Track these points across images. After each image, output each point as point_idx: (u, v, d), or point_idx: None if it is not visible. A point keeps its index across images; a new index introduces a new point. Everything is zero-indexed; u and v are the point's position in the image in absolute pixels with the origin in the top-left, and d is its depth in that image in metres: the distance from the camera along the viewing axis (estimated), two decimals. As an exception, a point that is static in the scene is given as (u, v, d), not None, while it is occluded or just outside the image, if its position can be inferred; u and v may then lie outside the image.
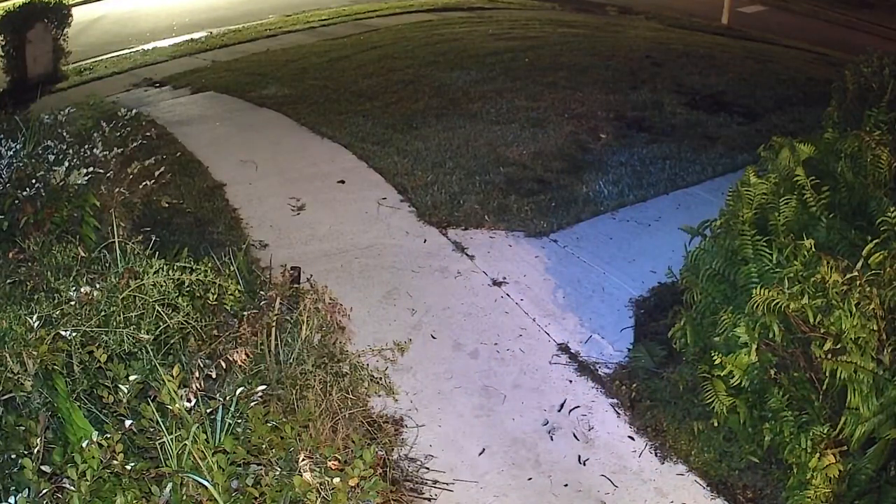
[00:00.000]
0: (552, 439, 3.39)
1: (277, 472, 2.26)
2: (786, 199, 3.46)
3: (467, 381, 3.72)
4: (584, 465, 3.25)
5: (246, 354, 2.64)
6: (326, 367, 2.90)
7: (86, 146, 4.33)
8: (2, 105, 5.82)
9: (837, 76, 5.02)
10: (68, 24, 9.77)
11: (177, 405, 2.32)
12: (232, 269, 3.22)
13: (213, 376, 2.57)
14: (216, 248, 4.09)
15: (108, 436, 2.19)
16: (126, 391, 2.38)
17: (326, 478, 2.22)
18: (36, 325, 2.51)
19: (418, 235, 4.96)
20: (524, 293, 4.34)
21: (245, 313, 2.91)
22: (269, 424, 2.38)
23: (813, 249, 3.10)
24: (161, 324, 2.72)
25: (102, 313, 2.64)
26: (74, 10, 10.21)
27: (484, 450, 3.33)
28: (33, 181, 3.86)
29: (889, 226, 3.19)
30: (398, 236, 4.97)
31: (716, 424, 3.18)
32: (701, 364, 3.26)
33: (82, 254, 3.17)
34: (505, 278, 4.48)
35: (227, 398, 2.42)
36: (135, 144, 4.58)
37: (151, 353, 2.63)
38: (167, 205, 4.41)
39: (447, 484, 3.14)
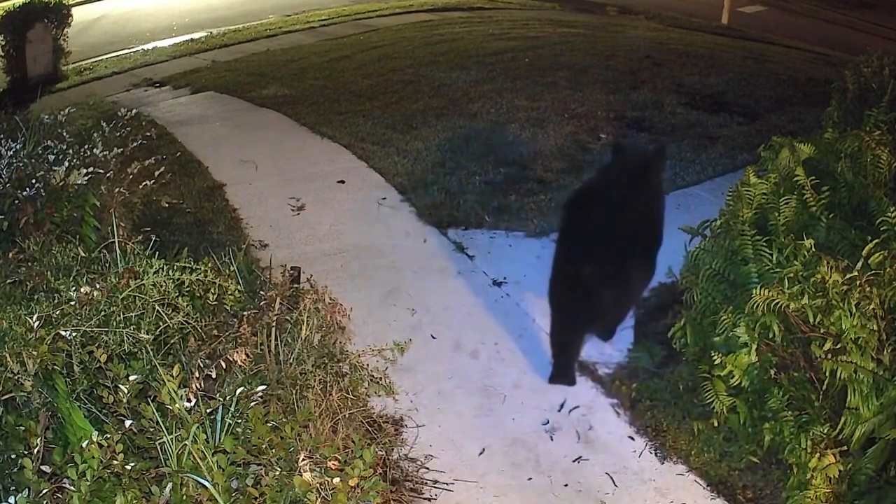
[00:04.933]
0: (552, 439, 3.39)
1: (277, 472, 2.26)
2: (786, 199, 3.46)
3: (467, 381, 3.72)
4: (584, 465, 3.25)
5: (246, 354, 2.64)
6: (326, 367, 2.90)
7: (86, 146, 4.32)
8: (2, 105, 5.81)
9: (837, 76, 5.02)
10: (68, 24, 9.76)
11: (177, 405, 2.32)
12: (232, 269, 3.22)
13: (213, 376, 2.57)
14: (216, 248, 4.09)
15: (108, 436, 2.19)
16: (126, 391, 2.38)
17: (326, 478, 2.22)
18: (36, 325, 2.51)
19: (418, 235, 4.96)
20: (524, 293, 4.34)
21: (245, 313, 2.91)
22: (269, 424, 2.38)
23: (813, 249, 3.10)
24: (161, 324, 2.72)
25: (102, 313, 2.64)
26: (74, 10, 10.20)
27: (484, 450, 3.33)
28: (33, 181, 3.86)
29: (889, 226, 3.19)
30: (398, 236, 4.97)
31: (716, 424, 3.18)
32: (701, 364, 3.26)
33: (82, 254, 3.16)
34: (505, 278, 4.48)
35: (227, 398, 2.42)
36: (135, 144, 4.58)
37: (151, 353, 2.63)
38: (167, 205, 4.41)
39: (447, 484, 3.14)
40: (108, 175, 4.19)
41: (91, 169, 4.06)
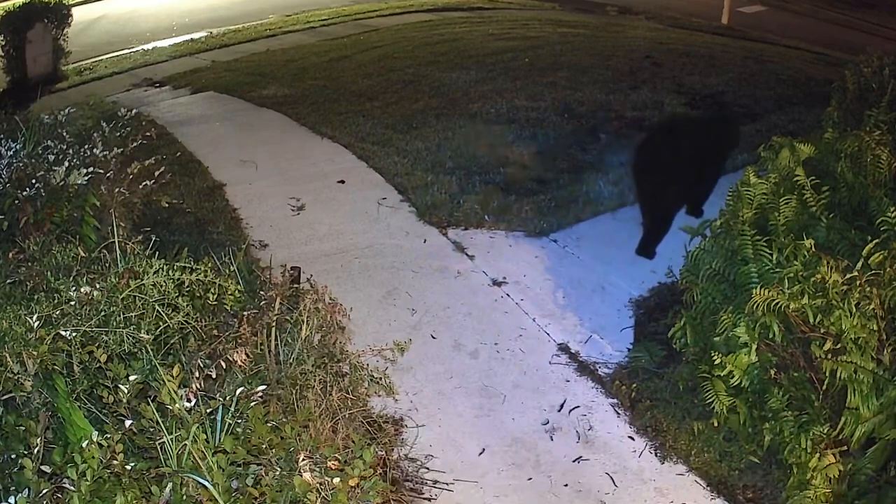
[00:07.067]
0: (552, 439, 3.39)
1: (277, 472, 2.26)
2: (786, 199, 3.46)
3: (467, 381, 3.72)
4: (584, 465, 3.25)
5: (246, 354, 2.64)
6: (326, 367, 2.90)
7: (86, 146, 4.31)
8: (2, 105, 5.80)
9: (837, 76, 5.01)
10: (68, 24, 9.76)
11: (177, 405, 2.32)
12: (232, 269, 3.22)
13: (213, 376, 2.57)
14: (216, 248, 4.08)
15: (108, 436, 2.19)
16: (126, 391, 2.38)
17: (326, 478, 2.22)
18: (36, 325, 2.51)
19: (418, 235, 4.96)
20: (524, 293, 4.34)
21: (245, 313, 2.91)
22: (269, 424, 2.38)
23: (813, 249, 3.10)
24: (161, 324, 2.72)
25: (102, 313, 2.63)
26: (74, 10, 10.19)
27: (484, 450, 3.33)
28: (33, 181, 3.85)
29: (889, 226, 3.19)
30: (398, 236, 4.97)
31: (716, 424, 3.18)
32: (701, 364, 3.26)
33: (82, 254, 3.16)
34: (505, 278, 4.48)
35: (227, 398, 2.42)
36: (135, 144, 4.56)
37: (151, 353, 2.62)
38: (167, 205, 4.39)
39: (447, 484, 3.14)
40: (108, 175, 4.17)
41: (91, 169, 4.04)
